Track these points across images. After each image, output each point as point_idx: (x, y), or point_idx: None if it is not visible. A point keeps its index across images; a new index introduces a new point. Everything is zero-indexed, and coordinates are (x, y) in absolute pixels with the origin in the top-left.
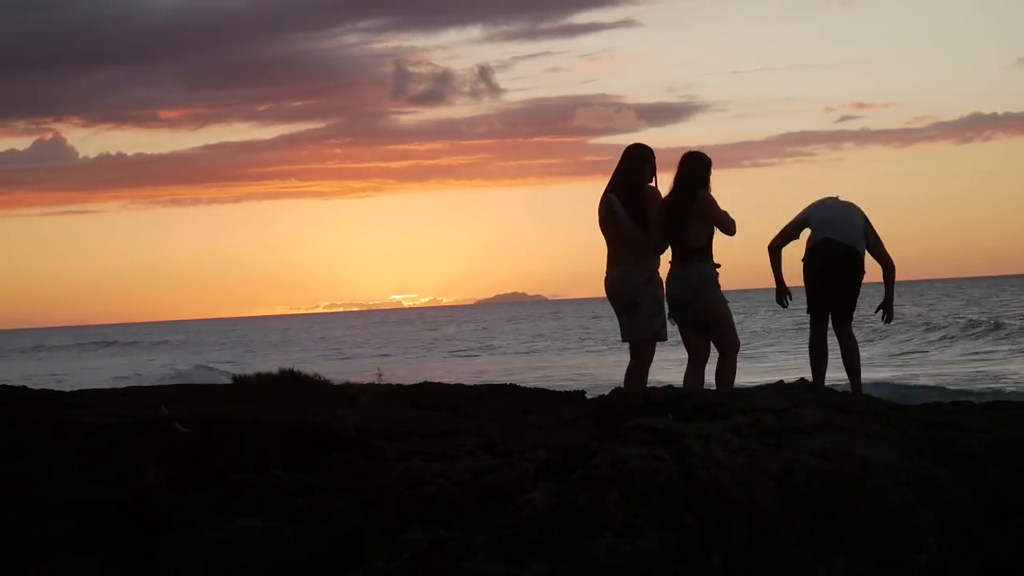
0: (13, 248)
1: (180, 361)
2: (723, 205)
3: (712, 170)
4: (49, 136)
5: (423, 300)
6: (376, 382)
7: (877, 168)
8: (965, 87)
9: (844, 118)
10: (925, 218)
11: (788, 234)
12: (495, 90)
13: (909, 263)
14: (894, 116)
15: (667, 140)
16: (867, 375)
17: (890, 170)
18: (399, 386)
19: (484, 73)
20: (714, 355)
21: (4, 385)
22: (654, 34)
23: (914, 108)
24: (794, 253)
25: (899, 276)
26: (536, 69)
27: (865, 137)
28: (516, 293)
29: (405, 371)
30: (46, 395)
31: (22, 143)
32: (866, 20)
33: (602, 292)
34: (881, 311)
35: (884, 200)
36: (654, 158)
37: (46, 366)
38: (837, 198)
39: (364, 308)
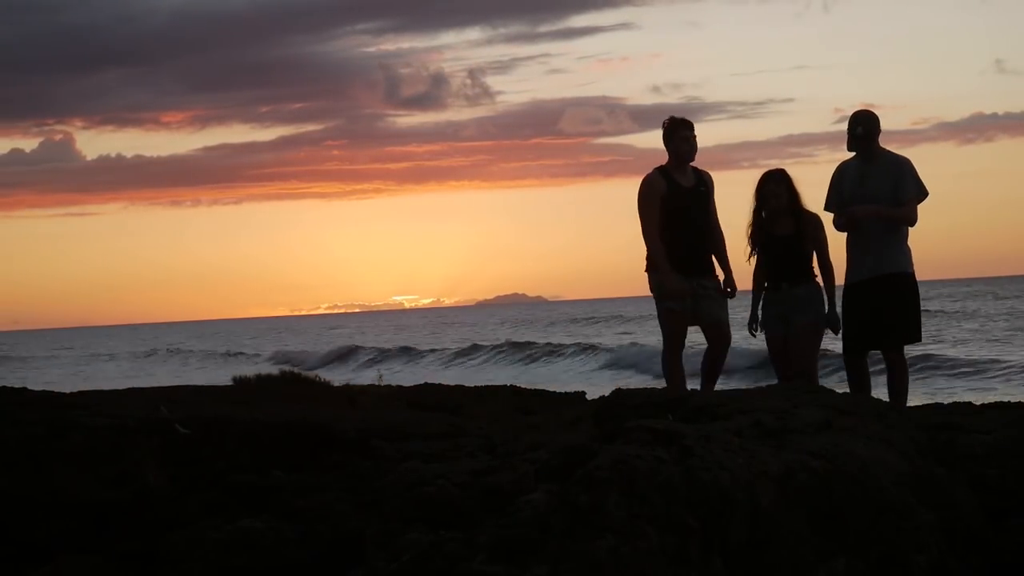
0: (13, 250)
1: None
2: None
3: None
4: (49, 138)
5: (424, 301)
6: (376, 383)
7: None
8: (965, 88)
9: (843, 119)
10: (928, 219)
11: None
12: (494, 92)
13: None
14: (898, 117)
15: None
16: None
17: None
18: (399, 387)
19: (482, 75)
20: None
21: (4, 386)
22: (653, 36)
23: (917, 109)
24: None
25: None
26: (535, 71)
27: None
28: (516, 294)
29: (405, 372)
30: (46, 396)
31: (22, 145)
32: (862, 22)
33: (602, 293)
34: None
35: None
36: None
37: None
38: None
39: (365, 309)
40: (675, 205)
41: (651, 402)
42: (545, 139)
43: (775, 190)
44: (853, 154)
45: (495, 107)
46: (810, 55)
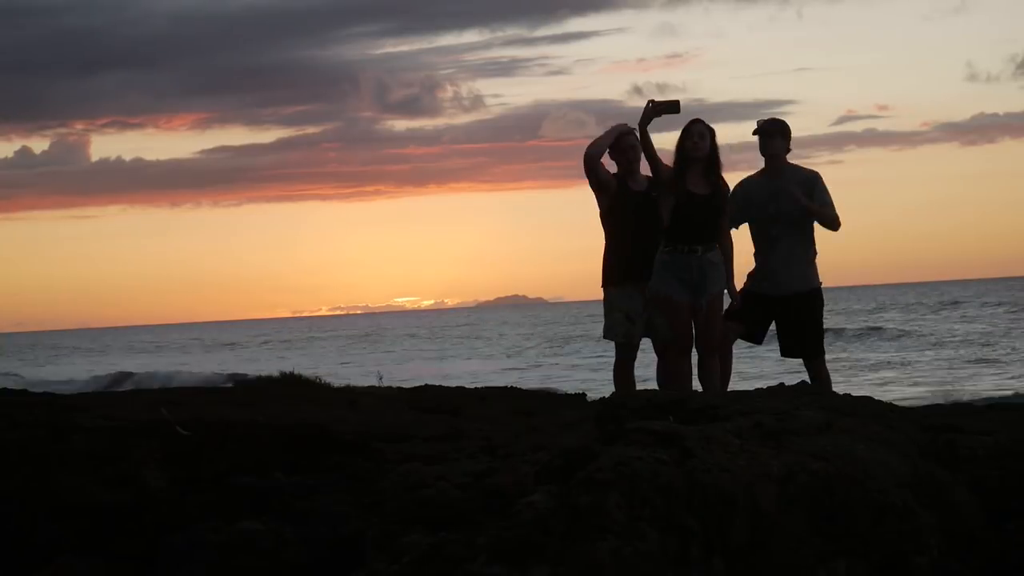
0: (14, 251)
1: None
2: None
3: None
4: (49, 141)
5: (426, 303)
6: (377, 385)
7: (877, 171)
8: (968, 89)
9: (842, 119)
10: (930, 220)
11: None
12: (492, 95)
13: (915, 265)
14: (899, 119)
15: (668, 143)
16: None
17: (890, 173)
18: (399, 389)
19: (481, 78)
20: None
21: (5, 388)
22: (653, 40)
23: (920, 110)
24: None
25: (905, 279)
26: (534, 74)
27: (867, 140)
28: (517, 295)
29: (405, 374)
30: (47, 398)
31: (23, 148)
32: (863, 25)
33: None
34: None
35: (890, 202)
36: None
37: None
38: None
39: (367, 311)
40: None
41: (652, 404)
42: (544, 141)
43: (703, 132)
44: (755, 171)
45: (494, 110)
46: (811, 58)
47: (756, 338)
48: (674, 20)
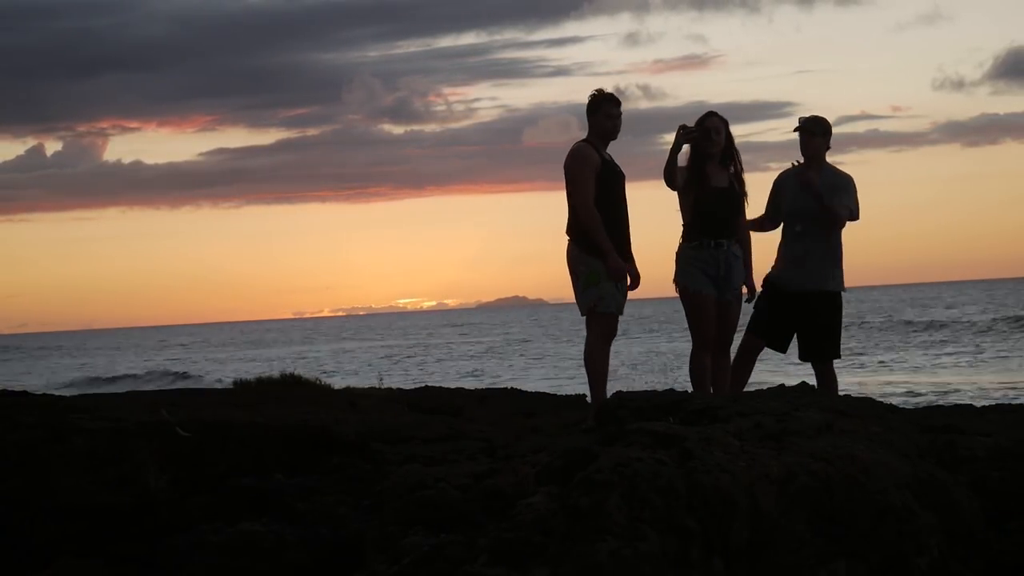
0: (15, 254)
1: None
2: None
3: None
4: (47, 144)
5: (427, 304)
6: (377, 386)
7: (877, 172)
8: (970, 90)
9: (843, 120)
10: (931, 220)
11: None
12: (491, 97)
13: (912, 266)
14: (901, 120)
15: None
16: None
17: (893, 174)
18: (400, 390)
19: (480, 80)
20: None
21: (5, 390)
22: (652, 42)
23: (922, 112)
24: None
25: (905, 280)
26: (533, 76)
27: (867, 140)
28: (517, 296)
29: (406, 375)
30: (47, 400)
31: (19, 151)
32: (863, 27)
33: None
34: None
35: (891, 203)
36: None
37: None
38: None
39: (369, 312)
40: (611, 184)
41: (652, 404)
42: (543, 142)
43: (718, 126)
44: (789, 166)
45: (492, 112)
46: (811, 59)
47: (780, 346)
48: (674, 22)
